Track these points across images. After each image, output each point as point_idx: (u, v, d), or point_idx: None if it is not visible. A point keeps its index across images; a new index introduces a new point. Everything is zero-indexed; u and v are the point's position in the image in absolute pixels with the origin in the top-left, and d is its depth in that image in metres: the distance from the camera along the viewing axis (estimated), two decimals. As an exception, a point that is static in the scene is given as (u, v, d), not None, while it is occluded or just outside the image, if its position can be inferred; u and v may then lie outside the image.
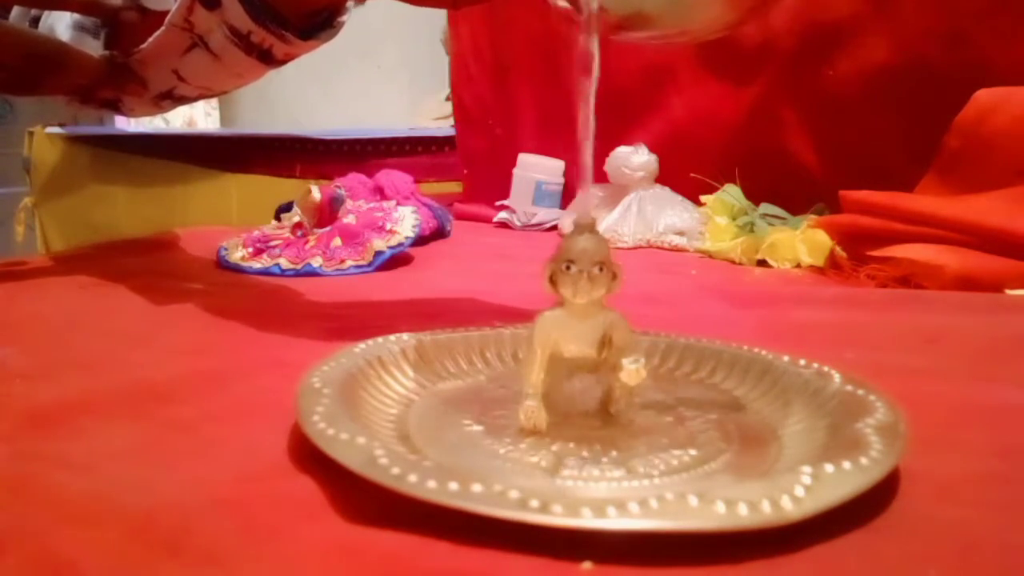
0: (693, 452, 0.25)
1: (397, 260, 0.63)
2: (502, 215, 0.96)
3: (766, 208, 0.75)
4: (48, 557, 0.19)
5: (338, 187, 0.73)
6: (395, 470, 0.20)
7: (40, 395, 0.30)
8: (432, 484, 0.20)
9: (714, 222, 0.74)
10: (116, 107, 0.57)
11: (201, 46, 0.48)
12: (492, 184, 1.03)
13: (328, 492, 0.22)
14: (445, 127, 1.34)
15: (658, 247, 0.78)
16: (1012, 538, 0.21)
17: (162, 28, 0.47)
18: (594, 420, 0.27)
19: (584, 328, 0.26)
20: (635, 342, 0.26)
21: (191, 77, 0.52)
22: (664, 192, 0.83)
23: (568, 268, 0.25)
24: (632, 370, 0.25)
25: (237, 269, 0.61)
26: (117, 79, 0.52)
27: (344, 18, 0.49)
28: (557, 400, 0.28)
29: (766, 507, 0.19)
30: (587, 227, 0.26)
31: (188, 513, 0.21)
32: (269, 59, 0.48)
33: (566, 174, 0.98)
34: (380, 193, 0.80)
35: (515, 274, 0.60)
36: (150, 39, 0.48)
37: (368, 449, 0.21)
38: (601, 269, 0.25)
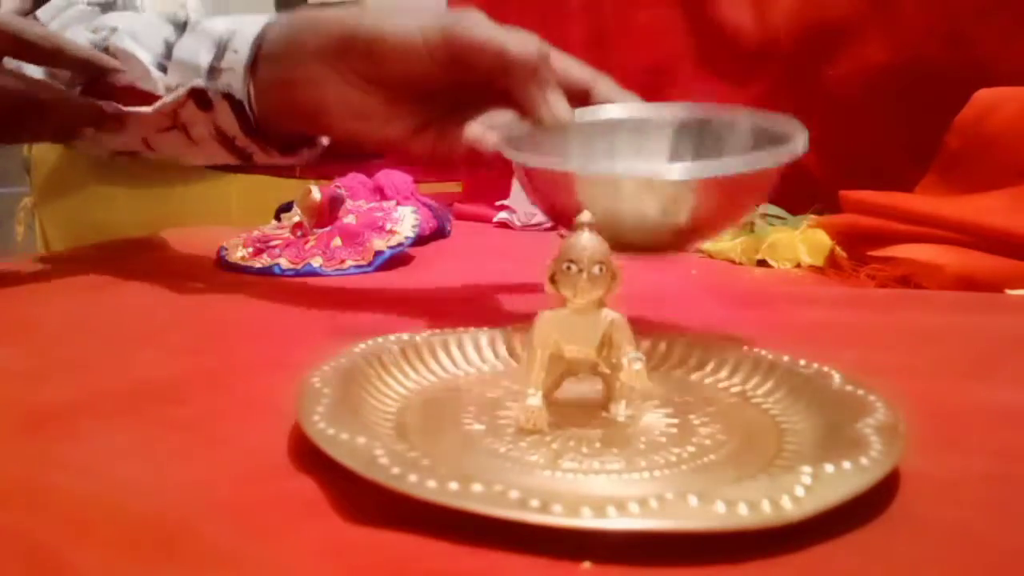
0: (692, 451, 0.25)
1: (397, 260, 0.63)
2: (502, 215, 0.96)
3: (766, 208, 0.75)
4: (48, 557, 0.19)
5: (338, 187, 0.73)
6: (395, 470, 0.20)
7: (40, 395, 0.30)
8: (432, 484, 0.20)
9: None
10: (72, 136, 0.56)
11: (181, 130, 0.48)
12: (492, 184, 1.03)
13: (328, 492, 0.22)
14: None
15: (658, 247, 0.78)
16: (1011, 538, 0.21)
17: (146, 109, 0.47)
18: (595, 419, 0.27)
19: (584, 328, 0.26)
20: (634, 342, 0.26)
21: (160, 149, 0.51)
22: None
23: (568, 268, 0.25)
24: (633, 370, 0.25)
25: (237, 269, 0.61)
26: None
27: (326, 141, 0.50)
28: (558, 400, 0.28)
29: (766, 507, 0.19)
30: (587, 227, 0.26)
31: (188, 513, 0.21)
32: (247, 159, 0.49)
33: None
34: (380, 193, 0.80)
35: (515, 274, 0.60)
36: (127, 109, 0.47)
37: (368, 449, 0.21)
38: (601, 269, 0.25)
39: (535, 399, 0.26)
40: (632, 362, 0.25)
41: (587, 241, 0.26)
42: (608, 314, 0.26)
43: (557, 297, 0.26)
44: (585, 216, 0.26)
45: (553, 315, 0.26)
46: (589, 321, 0.26)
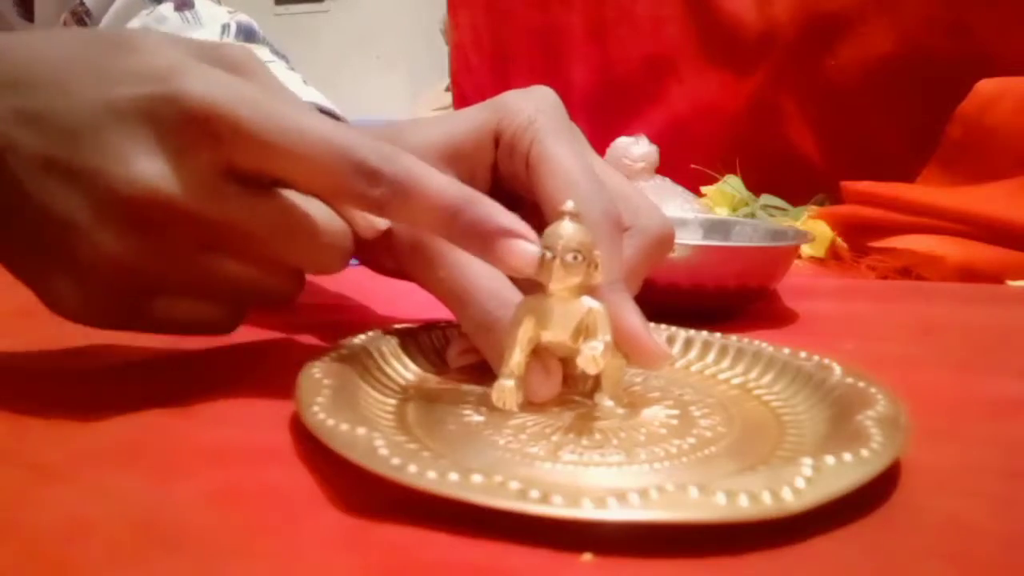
0: (693, 443, 0.25)
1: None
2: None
3: (767, 199, 0.75)
4: (48, 557, 0.19)
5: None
6: (395, 460, 0.20)
7: (38, 392, 0.30)
8: (432, 475, 0.20)
9: (715, 213, 0.74)
10: None
11: None
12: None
13: (328, 483, 0.22)
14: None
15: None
16: (1012, 529, 0.21)
17: None
18: (593, 409, 0.27)
19: (560, 315, 0.26)
20: (611, 333, 0.26)
21: None
22: (664, 183, 0.83)
23: (544, 255, 0.25)
24: (589, 356, 0.25)
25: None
26: None
27: None
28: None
29: (767, 498, 0.19)
30: (569, 215, 0.26)
31: (187, 508, 0.21)
32: None
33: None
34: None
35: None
36: None
37: (368, 439, 0.21)
38: (576, 257, 0.25)
39: (508, 379, 0.26)
40: (590, 349, 0.25)
41: (564, 229, 0.25)
42: (587, 303, 0.26)
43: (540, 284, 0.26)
44: (568, 205, 0.26)
45: (532, 300, 0.26)
46: (566, 308, 0.26)
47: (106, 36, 0.27)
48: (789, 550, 0.19)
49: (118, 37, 0.27)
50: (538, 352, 0.26)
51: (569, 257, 0.25)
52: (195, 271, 0.27)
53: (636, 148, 0.82)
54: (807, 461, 0.20)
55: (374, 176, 0.25)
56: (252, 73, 0.29)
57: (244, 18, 0.57)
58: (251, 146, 0.25)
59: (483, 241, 0.25)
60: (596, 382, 0.27)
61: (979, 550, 0.20)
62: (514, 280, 0.29)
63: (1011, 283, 0.54)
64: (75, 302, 0.27)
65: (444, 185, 0.26)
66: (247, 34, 0.56)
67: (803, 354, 0.30)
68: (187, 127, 0.25)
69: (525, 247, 0.25)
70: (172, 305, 0.28)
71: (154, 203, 0.25)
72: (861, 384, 0.27)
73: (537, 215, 0.30)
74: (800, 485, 0.20)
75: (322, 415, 0.23)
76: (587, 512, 0.18)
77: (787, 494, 0.19)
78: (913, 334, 0.42)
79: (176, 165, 0.25)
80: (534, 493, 0.19)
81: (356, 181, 0.25)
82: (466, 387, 0.30)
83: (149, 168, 0.25)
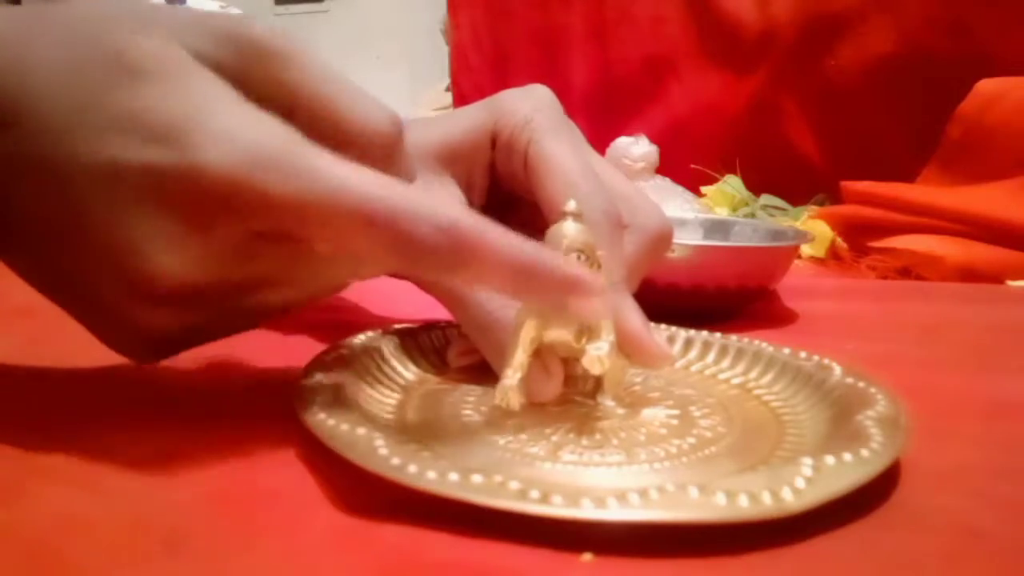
0: (693, 443, 0.25)
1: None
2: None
3: (767, 199, 0.75)
4: (48, 557, 0.19)
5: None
6: (395, 460, 0.20)
7: (38, 392, 0.30)
8: (432, 475, 0.20)
9: (715, 213, 0.74)
10: None
11: None
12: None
13: (328, 483, 0.22)
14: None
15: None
16: (1012, 529, 0.21)
17: None
18: (594, 409, 0.27)
19: (564, 315, 0.26)
20: (613, 333, 0.26)
21: None
22: (665, 183, 0.83)
23: None
24: (594, 357, 0.25)
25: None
26: None
27: None
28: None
29: (767, 499, 0.19)
30: (572, 215, 0.26)
31: (187, 508, 0.21)
32: None
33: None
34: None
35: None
36: None
37: (368, 439, 0.21)
38: (580, 258, 0.25)
39: (511, 379, 0.26)
40: (595, 349, 0.25)
41: (567, 229, 0.25)
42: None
43: None
44: (571, 205, 0.26)
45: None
46: None
47: (109, 51, 0.22)
48: (789, 550, 0.19)
49: (124, 54, 0.22)
50: (539, 352, 0.26)
51: (573, 258, 0.25)
52: (240, 310, 0.26)
53: (636, 148, 0.82)
54: (807, 461, 0.20)
55: (422, 251, 0.22)
56: (284, 62, 0.24)
57: (236, 13, 0.57)
58: (277, 216, 0.22)
59: (553, 301, 0.24)
60: (598, 383, 0.27)
61: (979, 550, 0.20)
62: None
63: (1011, 283, 0.54)
64: (120, 345, 0.27)
65: (505, 249, 0.22)
66: None
67: (803, 354, 0.30)
68: (204, 203, 0.21)
69: (596, 304, 0.24)
70: (224, 328, 0.27)
71: (181, 286, 0.23)
72: (861, 384, 0.27)
73: (535, 215, 0.30)
74: (800, 485, 0.20)
75: (322, 415, 0.23)
76: (587, 512, 0.18)
77: (787, 494, 0.19)
78: (913, 334, 0.42)
79: (194, 246, 0.22)
80: (534, 493, 0.19)
81: (403, 255, 0.22)
82: (466, 387, 0.30)
83: (166, 260, 0.22)
